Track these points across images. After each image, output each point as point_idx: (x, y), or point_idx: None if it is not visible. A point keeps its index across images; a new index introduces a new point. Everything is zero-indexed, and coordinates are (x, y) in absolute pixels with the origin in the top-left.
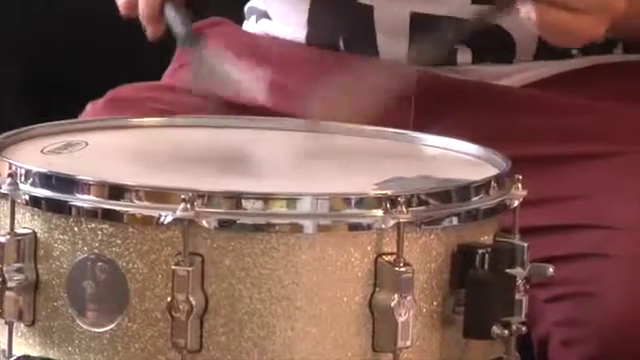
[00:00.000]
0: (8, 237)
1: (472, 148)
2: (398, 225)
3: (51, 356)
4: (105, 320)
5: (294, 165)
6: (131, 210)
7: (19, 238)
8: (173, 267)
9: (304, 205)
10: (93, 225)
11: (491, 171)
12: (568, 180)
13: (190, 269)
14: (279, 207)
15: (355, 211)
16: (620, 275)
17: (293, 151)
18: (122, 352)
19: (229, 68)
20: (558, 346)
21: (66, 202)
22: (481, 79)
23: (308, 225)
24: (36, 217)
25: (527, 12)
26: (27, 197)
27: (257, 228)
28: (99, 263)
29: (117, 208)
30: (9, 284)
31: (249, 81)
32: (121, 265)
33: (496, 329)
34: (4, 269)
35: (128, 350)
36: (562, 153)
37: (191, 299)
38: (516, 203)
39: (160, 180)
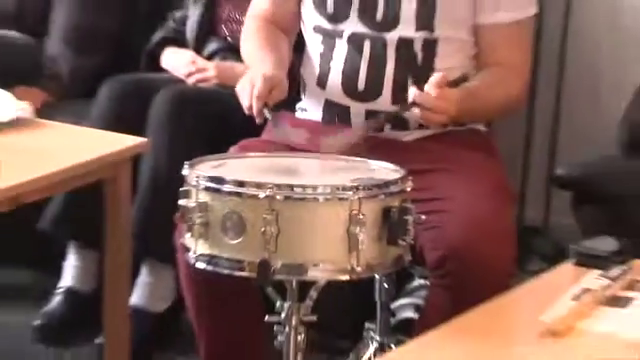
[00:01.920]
0: (194, 203)
1: (390, 165)
2: (359, 198)
3: (215, 253)
4: (235, 237)
5: (312, 172)
6: (246, 191)
7: (200, 203)
8: (264, 215)
9: (319, 189)
10: (230, 198)
11: (398, 174)
12: (431, 180)
13: (271, 216)
14: (308, 190)
15: (341, 192)
16: (453, 218)
17: (312, 167)
18: (245, 252)
19: (288, 131)
20: (427, 250)
21: (219, 189)
22: (395, 137)
23: (320, 197)
24: (209, 195)
25: (416, 111)
26: (205, 185)
27: (299, 199)
28: (233, 215)
29: (240, 190)
30: (196, 222)
31: (296, 136)
32: (243, 215)
33: (400, 241)
34: (193, 216)
35: (248, 252)
36: (428, 168)
37: (272, 229)
38: (409, 188)
39: (260, 179)
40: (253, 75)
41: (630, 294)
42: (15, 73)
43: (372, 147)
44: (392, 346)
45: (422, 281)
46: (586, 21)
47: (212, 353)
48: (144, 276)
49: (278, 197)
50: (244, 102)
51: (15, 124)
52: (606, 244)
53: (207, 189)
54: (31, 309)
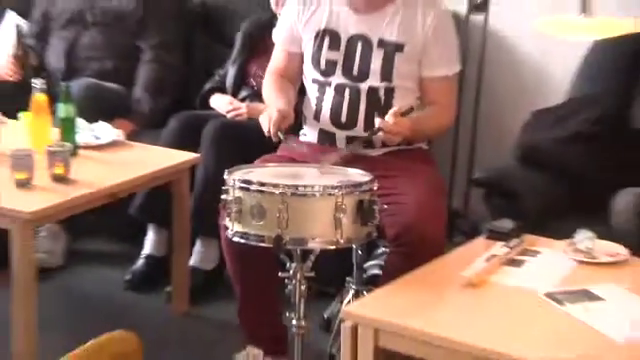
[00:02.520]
0: (232, 197)
1: (362, 172)
2: (342, 194)
3: (245, 231)
4: (259, 220)
5: (310, 177)
6: (266, 189)
7: (235, 197)
8: (278, 206)
9: (315, 188)
10: (255, 194)
11: (368, 178)
12: (390, 182)
13: (283, 206)
14: (303, 191)
15: (330, 190)
16: (405, 207)
17: (310, 173)
18: (265, 230)
19: (294, 148)
20: (388, 228)
21: (248, 187)
22: (365, 154)
23: (316, 193)
24: (241, 192)
25: (380, 134)
26: (239, 185)
27: (302, 194)
28: (258, 205)
29: (262, 188)
30: (233, 210)
31: (299, 152)
32: (264, 205)
33: (369, 223)
34: (231, 206)
35: (267, 230)
36: (388, 174)
37: (284, 215)
38: (375, 187)
39: (276, 181)
40: (270, 110)
41: (523, 258)
42: (113, 111)
43: (350, 160)
44: (364, 293)
45: (384, 249)
46: (494, 73)
47: (244, 298)
48: (198, 246)
49: (288, 193)
50: (265, 128)
51: (113, 145)
52: (507, 224)
53: (240, 188)
54: (124, 268)
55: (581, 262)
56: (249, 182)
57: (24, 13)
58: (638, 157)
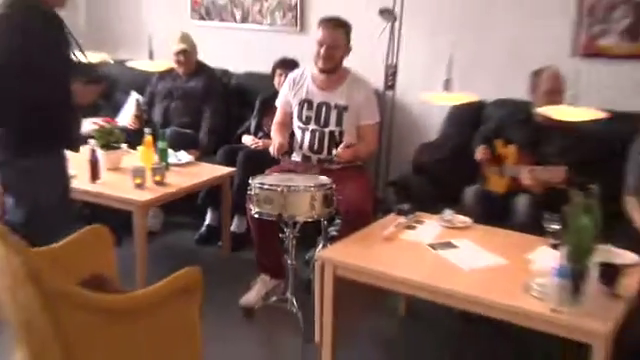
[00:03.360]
0: (253, 192)
1: (326, 178)
2: (316, 190)
3: (262, 210)
4: (269, 205)
5: (298, 180)
6: (272, 188)
7: (255, 193)
8: (279, 197)
9: (300, 188)
10: (266, 191)
11: (329, 181)
12: (341, 184)
13: (282, 197)
14: (294, 188)
15: (309, 188)
16: (350, 199)
17: (298, 178)
18: (272, 210)
19: (288, 164)
20: (340, 209)
21: (262, 187)
22: (328, 168)
23: (301, 190)
24: (258, 189)
25: (336, 158)
26: (257, 185)
27: (294, 190)
28: (268, 197)
29: (270, 187)
30: (254, 200)
31: (291, 166)
32: (271, 196)
33: (331, 206)
34: (253, 197)
35: (274, 210)
36: (340, 180)
37: (282, 202)
38: (333, 186)
39: (278, 182)
40: (275, 143)
41: (416, 225)
42: (187, 144)
43: (320, 171)
44: (328, 245)
45: (338, 221)
46: (399, 122)
47: (259, 248)
48: (235, 220)
49: (284, 190)
50: (272, 153)
51: (188, 164)
52: (406, 206)
53: (258, 187)
54: (194, 231)
55: (446, 227)
56: (263, 184)
57: (141, 92)
58: (475, 170)
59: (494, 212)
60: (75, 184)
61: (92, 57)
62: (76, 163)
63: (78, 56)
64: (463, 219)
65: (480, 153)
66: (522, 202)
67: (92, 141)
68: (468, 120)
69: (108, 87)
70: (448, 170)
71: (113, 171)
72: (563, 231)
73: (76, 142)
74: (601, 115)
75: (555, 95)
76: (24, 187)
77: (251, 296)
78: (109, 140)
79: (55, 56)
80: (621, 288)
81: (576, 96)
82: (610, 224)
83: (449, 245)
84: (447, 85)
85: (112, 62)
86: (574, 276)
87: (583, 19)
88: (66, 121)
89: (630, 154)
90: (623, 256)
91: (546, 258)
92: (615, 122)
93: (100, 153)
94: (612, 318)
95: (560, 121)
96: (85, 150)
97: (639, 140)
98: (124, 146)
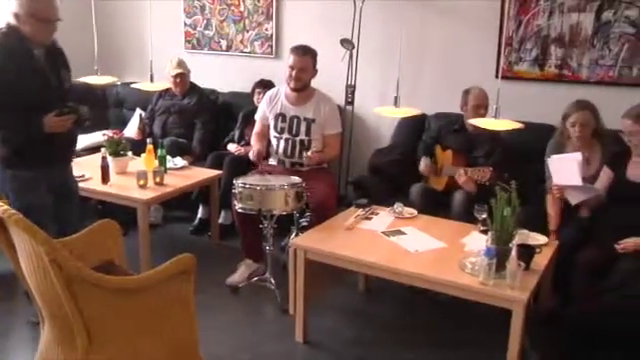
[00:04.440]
0: (237, 191)
1: (297, 178)
2: (289, 188)
3: (244, 206)
4: (250, 201)
5: (274, 181)
6: (253, 187)
7: (239, 190)
8: (258, 195)
9: (276, 187)
10: (248, 189)
11: (300, 180)
12: (310, 183)
13: (260, 195)
14: (270, 187)
15: (283, 186)
16: (318, 195)
17: (273, 179)
18: (253, 205)
19: (266, 167)
20: (310, 203)
21: (244, 185)
22: (299, 169)
23: (277, 188)
24: (241, 188)
25: (306, 161)
26: (240, 184)
27: (270, 189)
28: (250, 195)
29: (251, 186)
30: (238, 196)
31: (268, 169)
32: (252, 194)
33: (302, 201)
34: (237, 194)
35: (254, 205)
36: (310, 179)
37: (260, 199)
38: (304, 185)
39: (258, 182)
40: (254, 150)
41: (372, 216)
42: (182, 152)
43: (292, 172)
44: (300, 233)
45: (308, 213)
46: (357, 132)
47: (243, 236)
48: (222, 214)
49: (263, 189)
50: (252, 158)
51: (183, 168)
52: (363, 201)
53: (241, 186)
54: (189, 224)
55: (397, 217)
56: (245, 183)
57: (144, 108)
58: (417, 171)
59: (435, 205)
60: (89, 185)
61: (100, 80)
62: (90, 168)
63: (61, 82)
64: (410, 211)
65: (423, 166)
66: (458, 196)
67: (103, 150)
68: (413, 130)
69: (82, 118)
70: (398, 171)
71: (121, 175)
72: (490, 219)
73: (60, 156)
74: (518, 126)
75: (481, 109)
76: None
77: (236, 276)
78: (117, 149)
79: (15, 89)
80: (535, 264)
81: (498, 110)
82: (526, 212)
83: (399, 232)
84: (396, 101)
85: (119, 84)
86: (498, 255)
87: (503, 48)
88: (34, 143)
89: (546, 161)
90: (536, 238)
91: (477, 241)
92: (527, 131)
93: (110, 160)
94: (528, 288)
95: (486, 130)
96: (97, 157)
97: (551, 146)
98: (130, 154)
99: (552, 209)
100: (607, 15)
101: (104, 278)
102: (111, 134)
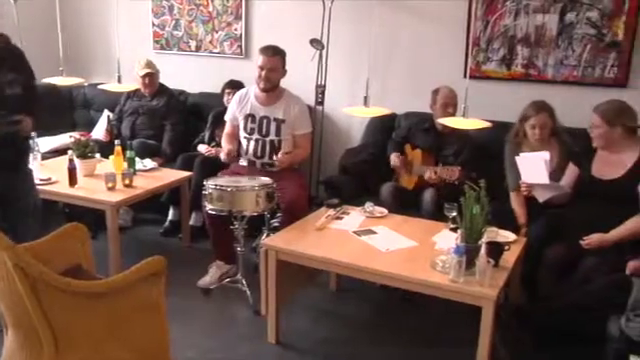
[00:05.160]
0: (208, 192)
1: (268, 179)
2: (260, 189)
3: (215, 207)
4: (220, 202)
5: (244, 182)
6: (224, 188)
7: (210, 192)
8: (229, 196)
9: (247, 188)
10: (219, 190)
11: (272, 181)
12: (280, 183)
13: (232, 195)
14: (241, 188)
15: (254, 187)
16: (288, 195)
17: (244, 180)
18: (224, 206)
19: (237, 168)
20: (281, 204)
21: (215, 187)
22: (270, 170)
23: (248, 189)
24: (212, 189)
25: (277, 162)
26: (211, 185)
27: (241, 190)
28: (220, 195)
29: (222, 187)
30: (208, 198)
31: (239, 170)
32: (223, 195)
33: (273, 201)
34: (207, 196)
35: (225, 206)
36: (281, 180)
37: (232, 200)
38: (275, 185)
39: (228, 184)
40: (225, 150)
41: (343, 216)
42: (152, 153)
43: (262, 173)
44: (271, 234)
45: (279, 214)
46: (327, 131)
47: (214, 238)
48: (193, 215)
49: (233, 189)
50: (222, 159)
51: (152, 170)
52: (334, 201)
53: (212, 188)
54: (159, 226)
55: (368, 217)
56: (216, 185)
57: (112, 109)
58: (390, 170)
59: (406, 204)
60: (56, 188)
61: (66, 81)
62: (57, 171)
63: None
64: (381, 210)
65: (395, 159)
66: (427, 195)
67: (70, 152)
68: (383, 129)
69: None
70: (368, 170)
71: (89, 177)
72: (459, 217)
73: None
74: (485, 124)
75: (449, 107)
76: None
77: (208, 278)
78: (85, 151)
79: None
80: (504, 261)
81: (466, 109)
82: (493, 209)
83: (370, 232)
84: (366, 101)
85: (86, 85)
86: (468, 253)
87: (471, 48)
88: None
89: (505, 158)
90: (505, 235)
91: (447, 239)
92: (495, 130)
93: (77, 162)
94: (497, 285)
95: (455, 129)
96: (64, 160)
97: (509, 146)
98: (97, 156)
99: (516, 205)
100: (570, 17)
101: (71, 283)
102: (78, 136)
